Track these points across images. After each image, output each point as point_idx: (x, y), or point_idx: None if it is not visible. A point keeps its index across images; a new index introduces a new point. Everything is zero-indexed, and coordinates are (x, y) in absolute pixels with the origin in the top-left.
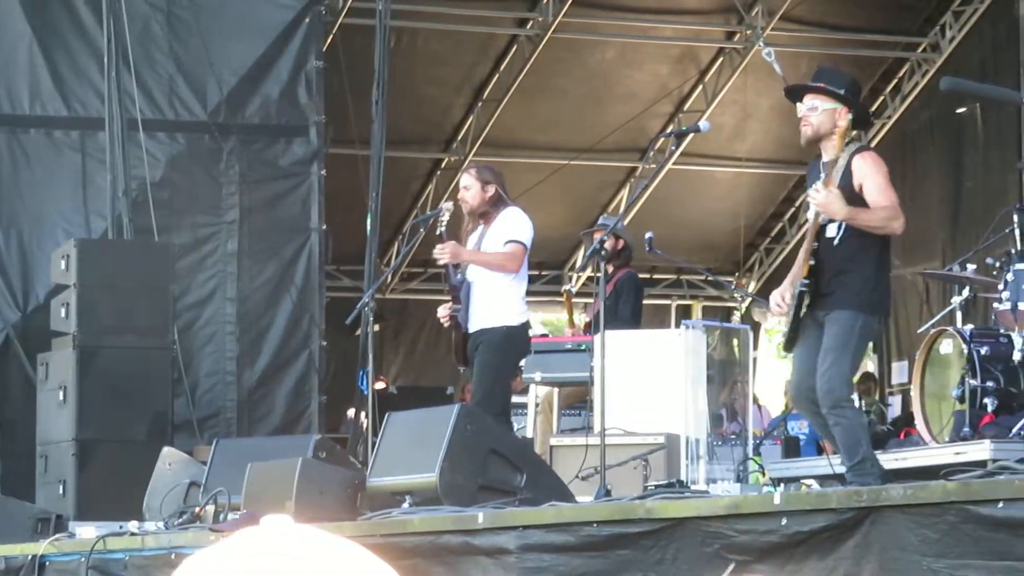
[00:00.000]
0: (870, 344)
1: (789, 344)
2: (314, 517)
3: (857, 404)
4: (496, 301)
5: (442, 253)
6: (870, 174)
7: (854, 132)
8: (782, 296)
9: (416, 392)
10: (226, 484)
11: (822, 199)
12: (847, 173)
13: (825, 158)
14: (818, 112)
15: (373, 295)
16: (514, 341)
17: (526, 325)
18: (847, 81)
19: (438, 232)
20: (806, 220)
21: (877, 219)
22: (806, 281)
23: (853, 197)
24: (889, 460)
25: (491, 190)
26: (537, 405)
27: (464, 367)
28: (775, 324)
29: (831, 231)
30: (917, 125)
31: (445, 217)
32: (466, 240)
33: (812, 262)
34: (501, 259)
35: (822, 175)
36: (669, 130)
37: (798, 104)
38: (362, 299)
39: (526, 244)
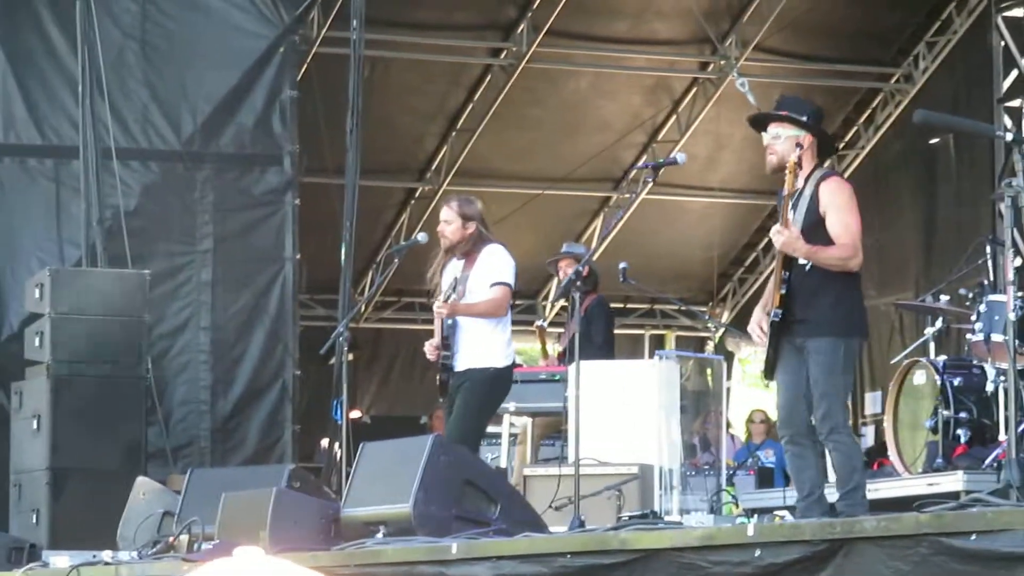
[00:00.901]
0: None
1: (769, 371)
2: (288, 547)
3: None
4: (484, 343)
5: (440, 311)
6: (833, 205)
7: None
8: (759, 325)
9: (390, 421)
10: (200, 514)
11: (783, 240)
12: (813, 200)
13: (786, 189)
14: (781, 140)
15: (347, 325)
16: (499, 383)
17: (512, 366)
18: (810, 109)
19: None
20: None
21: (835, 258)
22: (779, 312)
23: (818, 224)
24: None
25: (471, 227)
26: (512, 436)
27: (443, 399)
28: (748, 354)
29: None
30: (890, 156)
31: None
32: (439, 270)
33: (783, 291)
34: (490, 307)
35: (789, 204)
36: (643, 161)
37: (763, 133)
38: (336, 329)
39: (511, 285)
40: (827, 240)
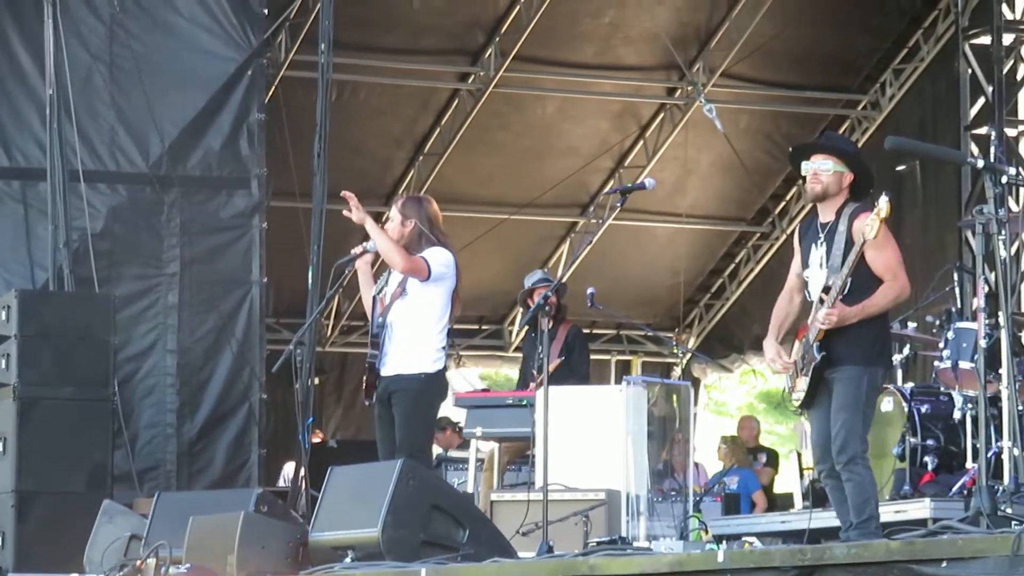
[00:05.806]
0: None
1: (808, 402)
2: (256, 571)
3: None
4: (415, 346)
5: (356, 210)
6: (873, 242)
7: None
8: (778, 353)
9: (355, 446)
10: (167, 537)
11: (836, 321)
12: (849, 235)
13: (822, 219)
14: (829, 172)
15: (311, 345)
16: (433, 388)
17: (444, 371)
18: (854, 148)
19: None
20: (747, 275)
21: (886, 303)
22: (820, 345)
23: (856, 257)
24: (828, 518)
25: (410, 225)
26: (479, 461)
27: (370, 402)
28: (714, 380)
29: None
30: None
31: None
32: (388, 270)
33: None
34: (402, 255)
35: (819, 237)
36: (611, 186)
37: (804, 163)
38: (287, 347)
39: (430, 266)
40: (867, 271)
